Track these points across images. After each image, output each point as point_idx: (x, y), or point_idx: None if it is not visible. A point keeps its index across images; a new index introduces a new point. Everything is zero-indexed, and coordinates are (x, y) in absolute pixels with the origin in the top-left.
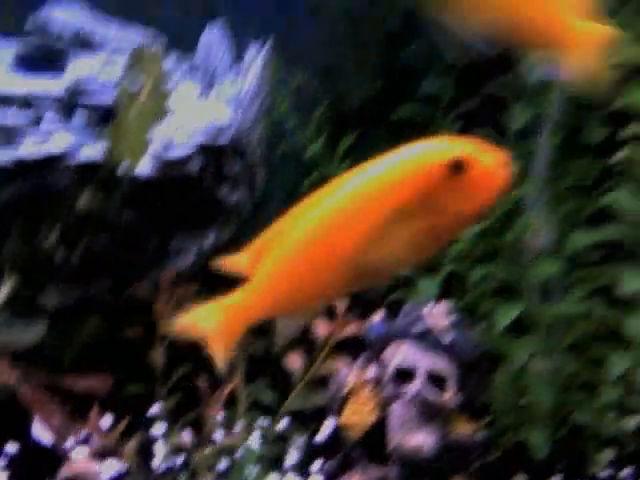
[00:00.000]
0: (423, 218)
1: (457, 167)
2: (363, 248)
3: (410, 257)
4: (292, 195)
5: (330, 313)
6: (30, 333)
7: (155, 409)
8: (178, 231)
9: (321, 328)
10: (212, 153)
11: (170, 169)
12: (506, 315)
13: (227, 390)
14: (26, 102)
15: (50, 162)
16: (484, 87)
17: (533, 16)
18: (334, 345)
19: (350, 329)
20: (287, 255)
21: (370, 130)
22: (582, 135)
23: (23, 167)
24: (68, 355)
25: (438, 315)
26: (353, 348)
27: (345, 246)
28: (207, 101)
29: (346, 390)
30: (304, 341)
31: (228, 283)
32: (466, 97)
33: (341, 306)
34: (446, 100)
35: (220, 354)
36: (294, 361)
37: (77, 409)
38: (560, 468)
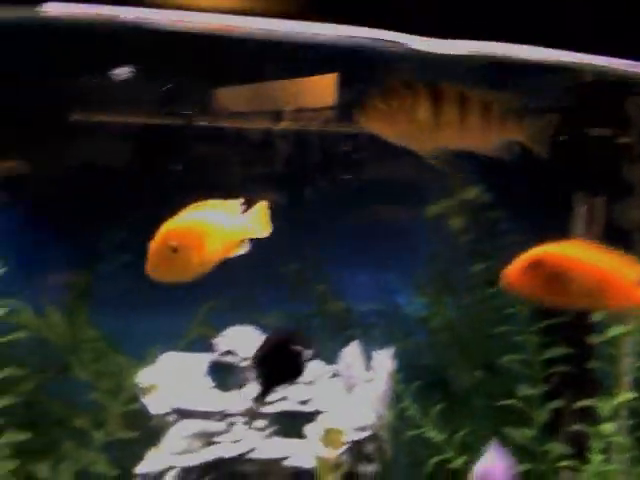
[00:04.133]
0: None
1: None
2: None
3: None
4: (417, 470)
5: None
6: None
7: None
8: None
9: None
10: (356, 444)
11: None
12: None
13: None
14: (221, 414)
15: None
16: None
17: None
18: None
19: None
20: None
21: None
22: None
23: (221, 462)
24: None
25: None
26: None
27: None
28: (350, 402)
29: None
30: None
31: None
32: None
33: None
34: None
35: None
36: None
37: None
38: None
